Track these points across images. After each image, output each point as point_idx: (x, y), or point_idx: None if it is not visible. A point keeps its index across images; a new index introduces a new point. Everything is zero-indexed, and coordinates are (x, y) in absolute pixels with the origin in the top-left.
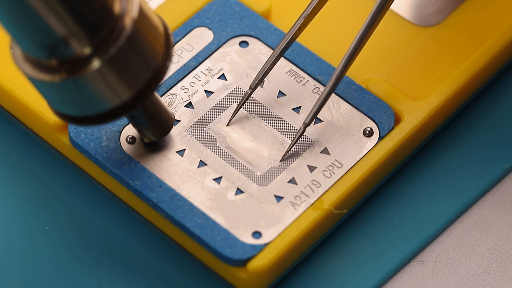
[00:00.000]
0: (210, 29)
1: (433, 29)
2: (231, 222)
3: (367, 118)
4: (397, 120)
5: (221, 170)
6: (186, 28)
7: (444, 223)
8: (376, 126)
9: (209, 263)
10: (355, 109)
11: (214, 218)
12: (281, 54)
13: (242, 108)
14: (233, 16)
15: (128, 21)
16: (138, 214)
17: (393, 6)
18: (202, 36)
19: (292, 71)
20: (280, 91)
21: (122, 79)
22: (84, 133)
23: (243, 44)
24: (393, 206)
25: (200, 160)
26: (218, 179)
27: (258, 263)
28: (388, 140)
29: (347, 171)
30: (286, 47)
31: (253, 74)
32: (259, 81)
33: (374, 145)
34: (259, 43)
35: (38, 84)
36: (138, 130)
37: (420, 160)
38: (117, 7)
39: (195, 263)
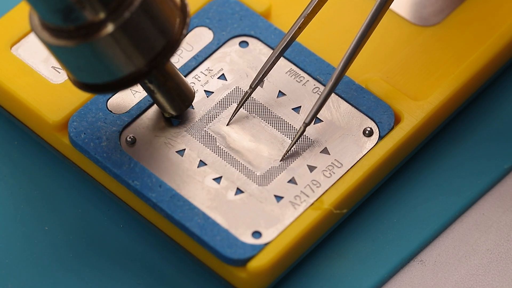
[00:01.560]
0: (210, 29)
1: (433, 29)
2: (231, 222)
3: (367, 118)
4: (397, 120)
5: (221, 170)
6: None
7: (444, 223)
8: (376, 126)
9: (209, 263)
10: (355, 109)
11: (214, 218)
12: (281, 54)
13: (242, 108)
14: (233, 16)
15: None
16: (138, 214)
17: (393, 6)
18: (202, 36)
19: (292, 71)
20: (280, 91)
21: (137, 45)
22: (84, 133)
23: (243, 44)
24: (393, 206)
25: (200, 160)
26: (218, 179)
27: (258, 263)
28: (388, 140)
29: (347, 171)
30: (286, 47)
31: (253, 74)
32: (259, 81)
33: (374, 145)
34: (259, 43)
35: (56, 51)
36: (158, 104)
37: (420, 160)
38: None
39: (195, 263)
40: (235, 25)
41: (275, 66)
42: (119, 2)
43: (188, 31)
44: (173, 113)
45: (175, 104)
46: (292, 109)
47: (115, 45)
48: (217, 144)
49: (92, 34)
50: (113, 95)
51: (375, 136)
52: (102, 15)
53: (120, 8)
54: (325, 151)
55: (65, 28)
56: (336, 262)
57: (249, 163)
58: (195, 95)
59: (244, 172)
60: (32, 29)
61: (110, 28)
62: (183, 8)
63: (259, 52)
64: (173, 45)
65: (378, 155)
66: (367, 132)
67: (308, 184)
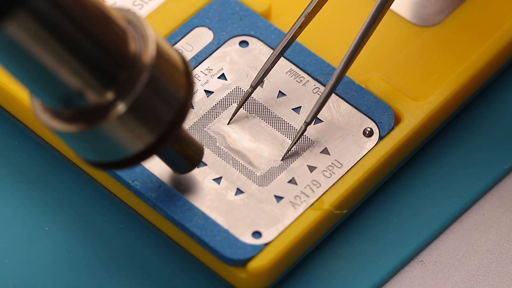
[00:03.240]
0: (210, 29)
1: (433, 29)
2: (231, 222)
3: (367, 118)
4: (397, 120)
5: (221, 170)
6: (186, 28)
7: (444, 223)
8: (376, 126)
9: (209, 263)
10: (355, 109)
11: (214, 218)
12: (282, 54)
13: (242, 108)
14: (233, 16)
15: (145, 65)
16: (138, 214)
17: (393, 6)
18: (202, 36)
19: (292, 71)
20: (280, 91)
21: (144, 123)
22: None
23: (243, 44)
24: (393, 206)
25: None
26: (218, 179)
27: (258, 263)
28: (388, 140)
29: (347, 171)
30: (287, 47)
31: (253, 74)
32: (259, 80)
33: (374, 145)
34: (259, 43)
35: (58, 133)
36: (166, 163)
37: (420, 160)
38: (132, 49)
39: (195, 263)
40: (235, 25)
41: (275, 66)
42: (122, 84)
43: (188, 32)
44: (181, 173)
45: (182, 165)
46: (292, 109)
47: (121, 127)
48: (217, 144)
49: (95, 120)
50: None
51: (375, 136)
52: (104, 100)
53: (123, 90)
54: (325, 151)
55: (66, 113)
56: (336, 262)
57: (249, 163)
58: (195, 95)
59: (244, 173)
60: (32, 109)
61: (114, 113)
62: (187, 70)
63: (259, 52)
64: (181, 114)
65: (378, 155)
66: (367, 132)
67: (308, 184)
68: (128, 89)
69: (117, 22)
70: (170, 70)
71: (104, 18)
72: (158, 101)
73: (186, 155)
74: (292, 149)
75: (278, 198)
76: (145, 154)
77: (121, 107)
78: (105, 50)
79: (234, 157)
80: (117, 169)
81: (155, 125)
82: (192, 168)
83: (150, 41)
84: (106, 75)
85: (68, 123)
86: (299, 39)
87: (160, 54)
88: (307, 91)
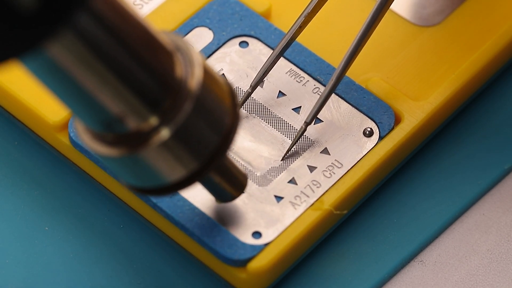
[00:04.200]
0: (210, 29)
1: (433, 29)
2: (231, 222)
3: (367, 118)
4: (397, 120)
5: None
6: (186, 28)
7: (444, 223)
8: (376, 126)
9: (209, 263)
10: (355, 109)
11: (214, 218)
12: (282, 53)
13: (242, 108)
14: (233, 16)
15: (191, 91)
16: (138, 214)
17: (393, 6)
18: (202, 36)
19: (292, 71)
20: (280, 91)
21: (187, 150)
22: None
23: (243, 44)
24: (393, 206)
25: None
26: None
27: (258, 263)
28: (388, 140)
29: (347, 171)
30: (287, 46)
31: (253, 75)
32: (259, 80)
33: (374, 145)
34: (259, 43)
35: (99, 156)
36: (209, 191)
37: (420, 160)
38: (178, 74)
39: (195, 263)
40: (235, 25)
41: (275, 66)
42: (168, 109)
43: (188, 32)
44: (224, 201)
45: (225, 194)
46: (292, 109)
47: (164, 154)
48: None
49: (137, 145)
50: None
51: (375, 136)
52: (150, 124)
53: (169, 115)
54: (325, 151)
55: (107, 136)
56: (336, 262)
57: (249, 164)
58: None
59: None
60: (74, 128)
61: (159, 137)
62: (232, 96)
63: (259, 52)
64: (227, 141)
65: (378, 155)
66: (367, 132)
67: (308, 185)
68: (173, 116)
69: (164, 46)
70: (216, 96)
71: (150, 42)
72: (204, 128)
73: (226, 186)
74: (292, 149)
75: (278, 198)
76: (188, 182)
77: (164, 134)
78: (151, 75)
79: (234, 157)
80: (157, 196)
81: (199, 152)
82: (232, 199)
83: (197, 66)
84: (151, 100)
85: (110, 147)
86: (299, 39)
87: (207, 79)
88: (307, 91)
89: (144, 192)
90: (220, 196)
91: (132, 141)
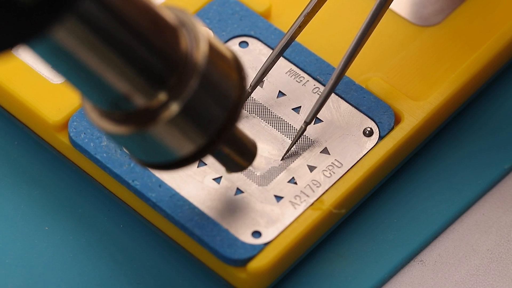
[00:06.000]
0: (210, 29)
1: (433, 29)
2: (231, 222)
3: (367, 118)
4: (397, 120)
5: (221, 170)
6: None
7: (444, 223)
8: (376, 126)
9: (209, 263)
10: (355, 109)
11: (214, 218)
12: (281, 53)
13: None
14: (233, 16)
15: (196, 65)
16: (138, 214)
17: (393, 6)
18: None
19: (292, 71)
20: (280, 91)
21: (196, 125)
22: (84, 133)
23: (243, 44)
24: (393, 206)
25: (200, 160)
26: (218, 179)
27: (258, 263)
28: (388, 140)
29: (347, 171)
30: (286, 46)
31: (253, 75)
32: (259, 80)
33: (374, 145)
34: (259, 43)
35: (108, 134)
36: (219, 162)
37: (420, 160)
38: (183, 49)
39: (195, 263)
40: (235, 25)
41: (275, 66)
42: (175, 84)
43: None
44: (235, 171)
45: (235, 164)
46: (292, 109)
47: (171, 131)
48: None
49: (145, 122)
50: None
51: (375, 136)
52: (158, 101)
53: (177, 90)
54: (325, 151)
55: (114, 114)
56: (336, 262)
57: None
58: None
59: (244, 172)
60: (82, 106)
61: (167, 114)
62: (239, 69)
63: (259, 52)
64: (234, 114)
65: (378, 155)
66: (367, 132)
67: (308, 184)
68: (180, 91)
69: (168, 22)
70: (222, 70)
71: (154, 19)
72: (210, 102)
73: (236, 157)
74: (292, 149)
75: (278, 198)
76: (197, 155)
77: (172, 110)
78: (155, 53)
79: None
80: (168, 170)
81: (207, 127)
82: (241, 169)
83: (202, 40)
84: (156, 78)
85: (118, 125)
86: (299, 39)
87: (212, 54)
88: (307, 91)
89: (154, 167)
90: (230, 166)
91: (140, 118)
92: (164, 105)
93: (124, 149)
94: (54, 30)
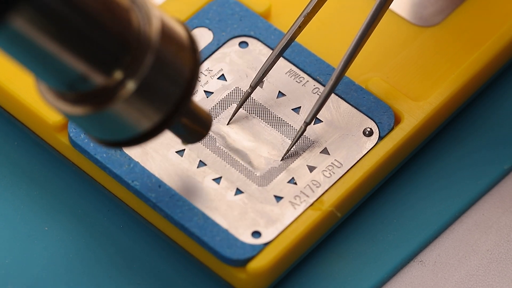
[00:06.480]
0: (209, 29)
1: (433, 29)
2: (231, 222)
3: (367, 118)
4: (397, 120)
5: (221, 170)
6: None
7: (444, 223)
8: (376, 126)
9: (209, 263)
10: (355, 109)
11: (214, 218)
12: (281, 53)
13: (241, 108)
14: (232, 16)
15: (150, 44)
16: (138, 214)
17: (393, 6)
18: (201, 37)
19: (291, 71)
20: (279, 91)
21: (151, 102)
22: (84, 133)
23: (243, 44)
24: (393, 207)
25: (200, 160)
26: (217, 179)
27: (258, 263)
28: (388, 140)
29: (347, 171)
30: (286, 46)
31: (253, 75)
32: (259, 80)
33: (374, 145)
34: (259, 43)
35: (65, 114)
36: (175, 135)
37: (420, 160)
38: (136, 29)
39: (195, 263)
40: (235, 26)
41: (274, 66)
42: (129, 63)
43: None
44: (190, 143)
45: (191, 136)
46: (292, 109)
47: (129, 108)
48: (217, 144)
49: (103, 101)
50: None
51: (375, 136)
52: (113, 80)
53: (131, 69)
54: (325, 151)
55: (69, 95)
56: (336, 262)
57: (249, 164)
58: (195, 95)
59: (243, 173)
60: (36, 88)
61: (123, 93)
62: (193, 46)
63: (259, 52)
64: (188, 90)
65: (378, 155)
66: (367, 132)
67: (308, 184)
68: (135, 69)
69: (118, 3)
70: (175, 47)
71: (104, 2)
72: (165, 79)
73: (193, 128)
74: (292, 149)
75: (278, 198)
76: (154, 132)
77: (129, 88)
78: (108, 32)
79: (233, 157)
80: (125, 147)
81: (164, 101)
82: (199, 139)
83: (154, 19)
84: (111, 56)
85: (76, 105)
86: (298, 39)
87: (165, 32)
88: (307, 91)
89: (113, 145)
90: (189, 138)
91: (98, 98)
92: (121, 84)
93: (83, 130)
94: (10, 18)
